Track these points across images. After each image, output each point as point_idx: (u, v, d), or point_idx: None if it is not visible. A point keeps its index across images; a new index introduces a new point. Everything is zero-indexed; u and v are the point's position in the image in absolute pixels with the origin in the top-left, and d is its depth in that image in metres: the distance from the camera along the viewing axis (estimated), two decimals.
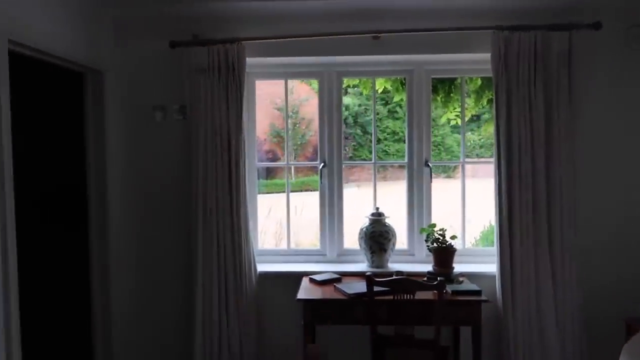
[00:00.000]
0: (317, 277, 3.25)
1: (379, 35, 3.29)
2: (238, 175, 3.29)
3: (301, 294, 3.02)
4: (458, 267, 3.34)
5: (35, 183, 2.99)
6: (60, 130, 3.21)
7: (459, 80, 3.96)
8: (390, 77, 3.94)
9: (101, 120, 3.23)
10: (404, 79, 3.73)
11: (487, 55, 3.22)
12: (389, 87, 3.97)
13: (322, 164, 3.63)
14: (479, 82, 4.03)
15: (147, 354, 3.51)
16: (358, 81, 4.25)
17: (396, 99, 4.01)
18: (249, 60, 3.36)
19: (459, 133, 12.28)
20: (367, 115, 12.61)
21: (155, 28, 3.40)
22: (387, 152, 11.74)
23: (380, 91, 4.06)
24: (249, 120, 3.61)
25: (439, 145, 11.96)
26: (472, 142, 10.78)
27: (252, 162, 3.63)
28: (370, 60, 3.52)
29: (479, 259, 3.56)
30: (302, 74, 3.77)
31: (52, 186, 3.16)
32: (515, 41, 3.16)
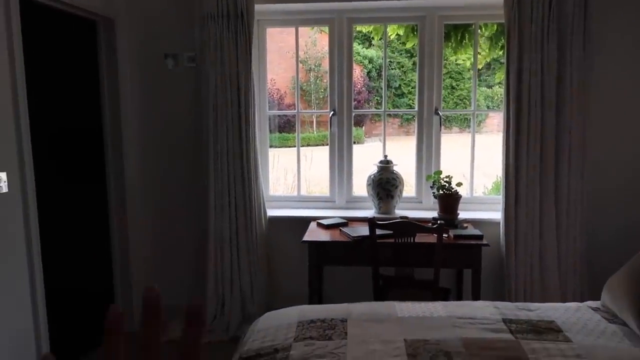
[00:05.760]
0: (324, 222, 3.35)
1: None
2: (248, 122, 3.36)
3: (307, 237, 3.13)
4: (465, 214, 3.39)
5: (53, 127, 3.12)
6: (76, 78, 3.32)
7: (472, 27, 3.87)
8: (402, 23, 3.88)
9: (114, 68, 3.33)
10: (416, 25, 3.68)
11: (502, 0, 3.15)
12: (401, 33, 3.91)
13: (332, 112, 3.66)
14: (495, 28, 3.93)
15: (162, 291, 3.71)
16: (371, 28, 4.20)
17: (408, 45, 3.96)
18: (260, 7, 3.37)
19: (487, 86, 12.05)
20: (392, 68, 12.41)
21: None
22: (411, 105, 11.62)
23: (392, 36, 4.01)
24: (260, 68, 3.64)
25: (465, 98, 11.77)
26: (499, 95, 10.57)
27: (263, 110, 3.69)
28: (382, 5, 3.47)
29: (486, 207, 3.59)
30: (312, 20, 3.75)
31: (69, 131, 3.29)
32: None
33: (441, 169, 3.60)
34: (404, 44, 4.06)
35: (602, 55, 3.22)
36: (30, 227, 2.52)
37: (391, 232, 2.90)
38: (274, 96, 10.38)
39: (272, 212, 3.61)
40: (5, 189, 2.40)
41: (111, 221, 3.45)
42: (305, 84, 11.25)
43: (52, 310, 2.70)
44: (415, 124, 3.66)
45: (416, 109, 3.63)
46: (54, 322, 2.73)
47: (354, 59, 3.65)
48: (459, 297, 3.40)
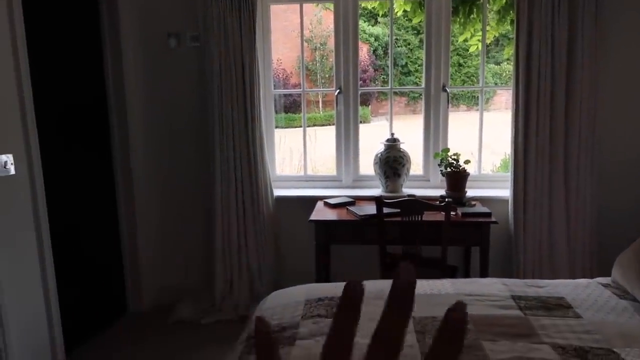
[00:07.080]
0: (331, 201, 3.34)
1: None
2: (253, 102, 3.33)
3: (314, 216, 3.13)
4: (473, 192, 3.36)
5: (57, 108, 3.11)
6: (79, 58, 3.29)
7: (481, 1, 3.78)
8: None
9: (118, 47, 3.30)
10: (423, 0, 3.60)
11: None
12: (407, 9, 3.83)
13: (338, 91, 3.62)
14: (503, 1, 3.83)
15: (170, 272, 3.72)
16: (376, 4, 4.11)
17: (415, 21, 3.88)
18: None
19: (495, 63, 11.88)
20: (399, 46, 12.25)
21: None
22: (417, 84, 11.50)
23: (398, 13, 3.93)
24: (265, 46, 3.59)
25: (472, 76, 11.61)
26: (507, 72, 10.43)
27: (269, 89, 3.65)
28: None
29: (494, 184, 3.56)
30: None
31: (74, 112, 3.27)
32: None
33: (449, 146, 3.56)
34: (410, 20, 3.98)
35: (613, 27, 3.14)
36: (38, 210, 2.53)
37: (398, 210, 2.88)
38: (280, 76, 10.29)
39: (279, 192, 3.60)
40: (12, 172, 2.40)
41: (119, 203, 3.46)
42: (310, 63, 11.14)
43: (62, 293, 2.72)
44: (423, 101, 3.61)
45: (423, 86, 3.58)
46: (64, 305, 2.75)
47: (359, 36, 3.59)
48: (467, 275, 3.39)
